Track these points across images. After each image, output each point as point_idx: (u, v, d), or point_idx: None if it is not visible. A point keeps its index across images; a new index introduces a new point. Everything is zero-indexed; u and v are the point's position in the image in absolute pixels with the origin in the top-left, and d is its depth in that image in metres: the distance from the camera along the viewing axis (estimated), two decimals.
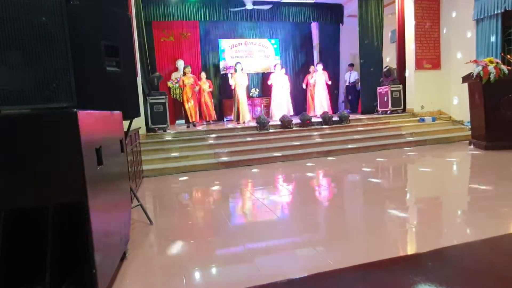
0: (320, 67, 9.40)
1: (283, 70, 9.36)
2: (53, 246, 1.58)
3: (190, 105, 8.23)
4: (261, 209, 3.43)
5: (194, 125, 8.11)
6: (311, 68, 9.68)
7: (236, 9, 9.35)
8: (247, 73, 9.59)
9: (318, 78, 9.33)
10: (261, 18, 9.87)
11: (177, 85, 9.85)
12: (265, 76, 10.82)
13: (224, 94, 10.49)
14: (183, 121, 8.95)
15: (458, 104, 7.89)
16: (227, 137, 6.78)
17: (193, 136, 6.75)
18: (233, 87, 8.66)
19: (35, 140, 1.49)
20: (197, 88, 8.53)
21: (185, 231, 2.97)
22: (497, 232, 2.34)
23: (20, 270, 1.61)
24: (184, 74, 8.50)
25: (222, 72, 10.78)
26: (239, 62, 8.86)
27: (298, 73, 11.41)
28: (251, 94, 10.66)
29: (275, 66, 9.57)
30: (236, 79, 8.54)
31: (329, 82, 9.36)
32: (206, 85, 8.93)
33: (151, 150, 6.05)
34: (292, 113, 9.05)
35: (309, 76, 9.62)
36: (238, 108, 8.55)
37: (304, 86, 9.80)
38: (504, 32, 6.89)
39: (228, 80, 9.05)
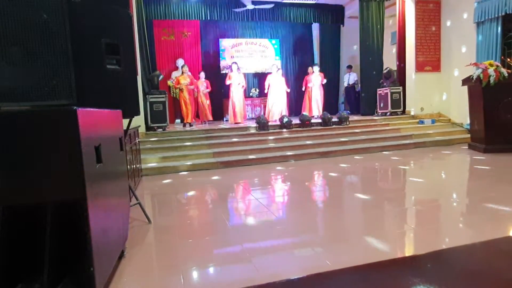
0: (316, 68, 9.38)
1: (280, 71, 9.30)
2: (51, 244, 1.58)
3: (187, 106, 8.20)
4: (260, 209, 3.43)
5: (191, 125, 8.08)
6: (309, 70, 9.67)
7: (239, 9, 9.32)
8: (246, 73, 9.54)
9: (314, 79, 9.34)
10: (261, 18, 9.86)
11: None
12: (265, 77, 10.82)
13: (224, 94, 10.49)
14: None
15: (457, 106, 7.90)
16: (227, 137, 6.78)
17: (192, 136, 6.75)
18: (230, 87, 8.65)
19: (34, 137, 1.48)
20: (192, 87, 8.50)
21: (183, 230, 2.96)
22: (496, 235, 2.34)
23: (18, 268, 1.61)
24: (182, 73, 8.48)
25: (222, 72, 10.78)
26: (235, 62, 8.84)
27: (298, 73, 11.41)
28: (250, 94, 10.65)
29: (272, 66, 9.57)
30: (232, 79, 8.52)
31: (324, 82, 9.30)
32: (203, 85, 8.90)
33: (150, 149, 6.05)
34: (285, 113, 9.01)
35: (307, 78, 9.62)
36: (234, 108, 8.54)
37: (303, 89, 9.74)
38: (504, 35, 6.91)
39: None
